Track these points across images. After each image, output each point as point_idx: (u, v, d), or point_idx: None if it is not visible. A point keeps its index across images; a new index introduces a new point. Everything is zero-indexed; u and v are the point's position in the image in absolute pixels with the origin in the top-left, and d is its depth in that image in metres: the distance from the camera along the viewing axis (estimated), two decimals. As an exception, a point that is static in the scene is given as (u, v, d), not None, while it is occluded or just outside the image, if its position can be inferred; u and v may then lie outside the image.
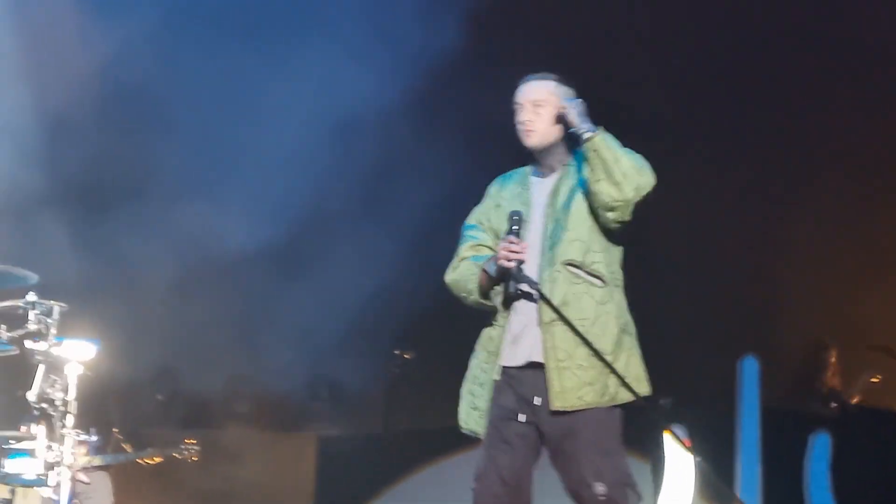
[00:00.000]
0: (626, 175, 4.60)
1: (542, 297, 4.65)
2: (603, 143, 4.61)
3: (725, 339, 9.41)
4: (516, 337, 4.74)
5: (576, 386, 4.62)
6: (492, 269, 4.75)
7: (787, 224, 10.24)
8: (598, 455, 4.63)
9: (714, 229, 10.05)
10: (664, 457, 7.87)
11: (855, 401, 9.44)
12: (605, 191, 4.62)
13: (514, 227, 4.70)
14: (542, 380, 4.66)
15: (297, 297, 9.36)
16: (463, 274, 4.87)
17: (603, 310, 4.70)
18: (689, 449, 7.64)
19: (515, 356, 4.75)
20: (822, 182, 10.19)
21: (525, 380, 4.71)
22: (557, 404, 4.63)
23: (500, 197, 4.93)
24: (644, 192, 4.67)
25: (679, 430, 7.67)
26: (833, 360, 9.45)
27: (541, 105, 4.79)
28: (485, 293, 4.81)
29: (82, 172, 8.46)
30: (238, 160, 9.24)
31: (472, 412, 4.82)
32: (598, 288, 4.70)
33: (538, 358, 4.68)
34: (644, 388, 4.76)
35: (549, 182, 4.85)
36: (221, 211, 8.94)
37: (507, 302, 4.77)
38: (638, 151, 4.73)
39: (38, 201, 8.14)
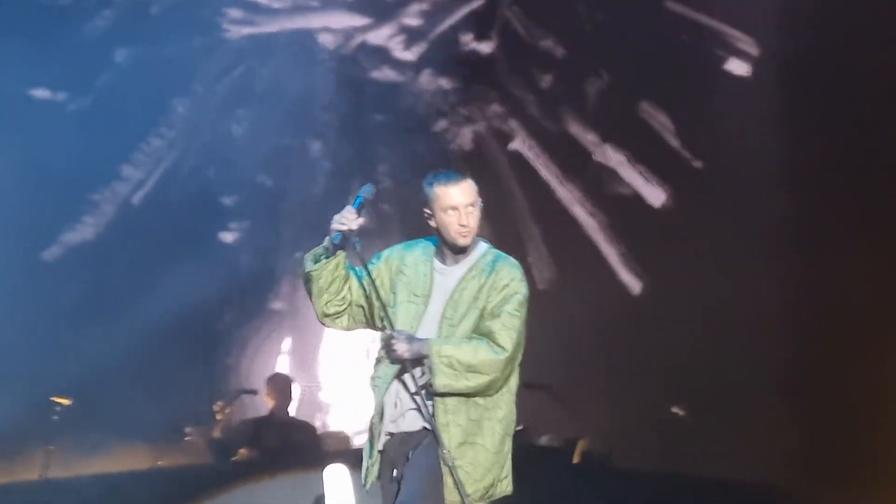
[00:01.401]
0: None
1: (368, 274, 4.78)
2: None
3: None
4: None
5: None
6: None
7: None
8: None
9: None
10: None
11: None
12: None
13: (358, 199, 4.74)
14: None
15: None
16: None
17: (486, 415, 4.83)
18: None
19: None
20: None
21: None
22: None
23: (404, 264, 4.91)
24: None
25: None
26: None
27: (475, 206, 4.84)
28: (318, 258, 4.79)
29: None
30: None
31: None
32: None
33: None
34: None
35: (452, 270, 4.89)
36: None
37: (333, 250, 4.75)
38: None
39: None
